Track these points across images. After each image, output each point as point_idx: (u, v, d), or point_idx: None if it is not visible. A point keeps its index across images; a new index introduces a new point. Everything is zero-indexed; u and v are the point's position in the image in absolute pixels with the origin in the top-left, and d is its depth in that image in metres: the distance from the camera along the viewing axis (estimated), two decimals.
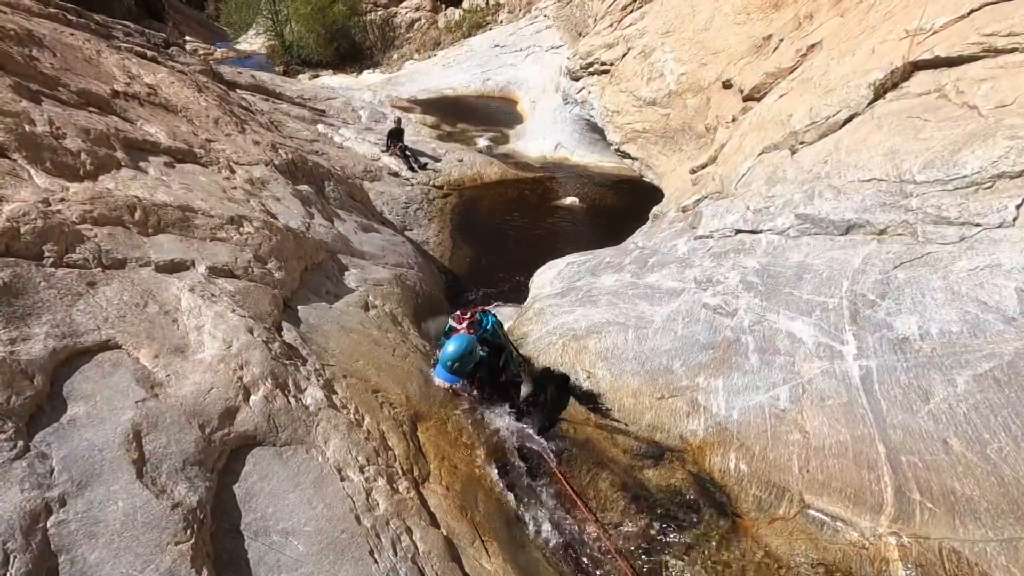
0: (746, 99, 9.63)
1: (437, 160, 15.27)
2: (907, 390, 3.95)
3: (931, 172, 4.80)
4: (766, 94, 8.92)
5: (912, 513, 3.57)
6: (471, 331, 5.21)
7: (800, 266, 5.27)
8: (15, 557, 2.24)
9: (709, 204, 7.35)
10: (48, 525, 2.43)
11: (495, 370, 5.30)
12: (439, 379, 4.95)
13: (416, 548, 3.35)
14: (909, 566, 3.43)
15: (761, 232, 6.02)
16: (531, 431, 5.22)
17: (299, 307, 5.23)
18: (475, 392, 5.32)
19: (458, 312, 5.59)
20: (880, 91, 6.14)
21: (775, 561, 3.82)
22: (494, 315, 5.65)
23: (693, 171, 9.47)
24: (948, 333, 4.02)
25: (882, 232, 5.00)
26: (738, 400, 4.68)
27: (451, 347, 4.83)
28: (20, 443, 2.63)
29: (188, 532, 2.68)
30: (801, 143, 6.67)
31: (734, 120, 9.77)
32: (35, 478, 2.53)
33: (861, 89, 6.24)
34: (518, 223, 12.88)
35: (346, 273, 6.67)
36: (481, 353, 5.08)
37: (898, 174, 5.05)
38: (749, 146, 7.69)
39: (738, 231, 6.36)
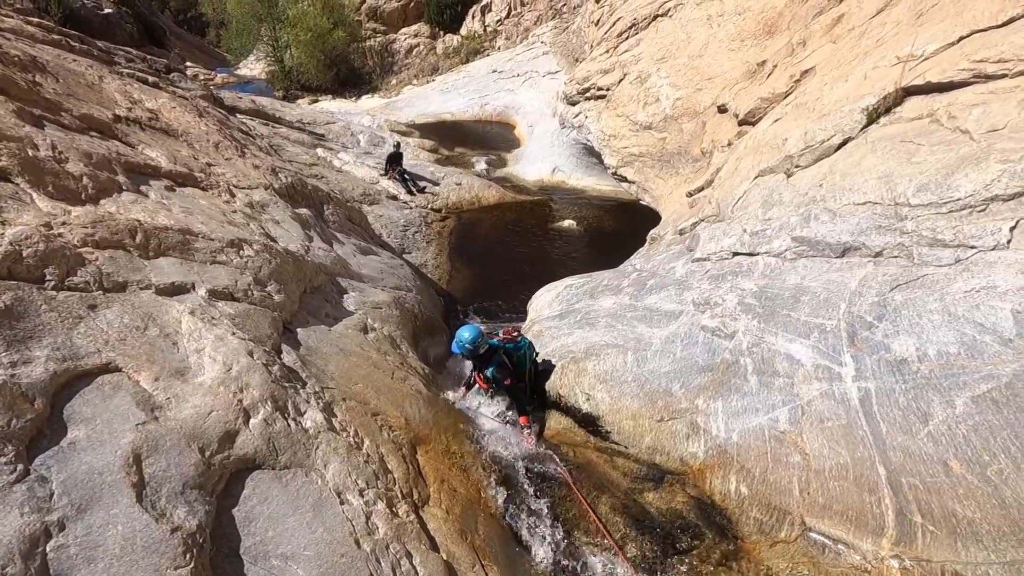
0: (741, 123, 9.74)
1: (435, 183, 15.38)
2: (906, 412, 3.96)
3: (925, 195, 4.85)
4: (761, 118, 9.03)
5: (914, 536, 3.56)
6: (507, 341, 6.10)
7: (798, 288, 5.29)
8: None
9: (706, 227, 7.40)
10: (47, 549, 2.41)
11: (504, 374, 5.76)
12: (453, 349, 5.87)
13: (416, 573, 3.33)
14: None
15: (758, 254, 6.06)
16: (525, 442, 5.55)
17: (298, 330, 5.24)
18: (476, 384, 6.06)
19: (508, 327, 6.56)
20: (873, 116, 6.23)
21: None
22: (530, 345, 6.35)
23: (690, 194, 9.55)
24: (946, 355, 4.04)
25: (878, 254, 5.03)
26: (737, 422, 4.68)
27: (466, 333, 5.71)
28: (20, 466, 2.63)
29: (188, 556, 2.66)
30: (796, 167, 6.74)
31: (730, 144, 9.88)
32: (35, 502, 2.53)
33: (855, 114, 6.33)
34: (516, 246, 12.94)
35: (345, 296, 6.69)
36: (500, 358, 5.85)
37: (892, 197, 5.10)
38: (745, 169, 7.77)
39: (735, 253, 6.39)
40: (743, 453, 4.49)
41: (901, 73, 6.20)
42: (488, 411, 6.07)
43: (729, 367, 5.07)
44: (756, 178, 7.34)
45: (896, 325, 4.42)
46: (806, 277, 5.39)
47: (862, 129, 6.25)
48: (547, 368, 6.35)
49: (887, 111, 6.19)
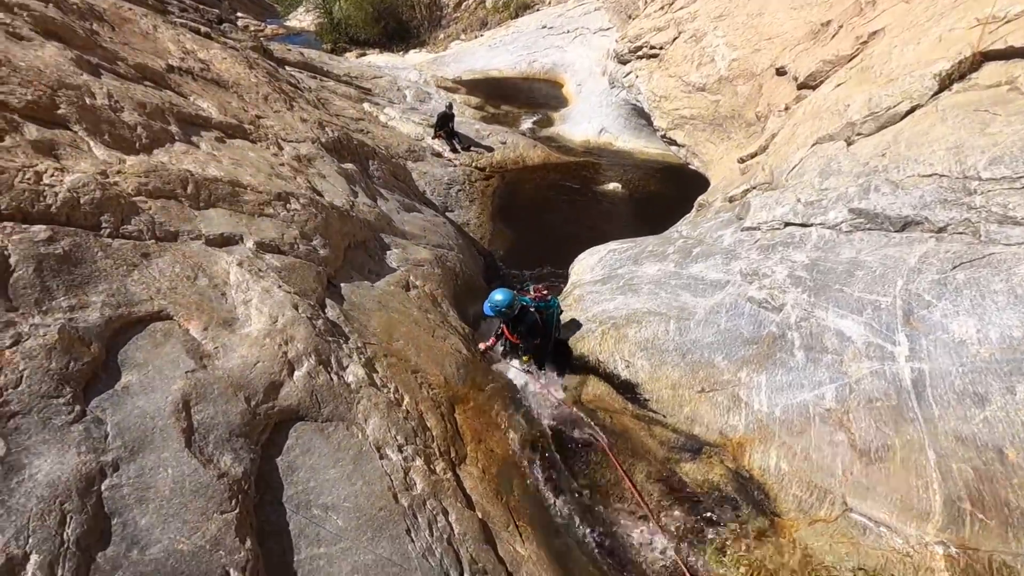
0: (800, 87, 9.34)
1: (480, 142, 15.22)
2: (961, 396, 3.81)
3: (998, 169, 4.58)
4: (822, 82, 8.63)
5: (962, 523, 3.46)
6: (539, 299, 6.25)
7: (852, 262, 5.11)
8: (71, 518, 2.33)
9: (758, 195, 7.17)
10: (103, 488, 2.52)
11: (533, 333, 6.00)
12: (484, 311, 5.99)
13: (452, 529, 3.39)
14: None
15: (812, 226, 5.85)
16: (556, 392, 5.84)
17: (342, 284, 5.29)
18: (504, 340, 6.23)
19: (538, 286, 6.62)
20: (946, 82, 5.88)
21: (813, 563, 3.76)
22: (558, 304, 6.59)
23: (742, 160, 9.25)
24: (1009, 338, 3.86)
25: (941, 230, 4.81)
26: (781, 397, 4.59)
27: (498, 296, 5.80)
28: (77, 407, 2.73)
29: (233, 502, 2.75)
30: (858, 134, 6.44)
31: (787, 109, 9.50)
32: (91, 442, 2.63)
33: (926, 79, 5.98)
34: (559, 207, 12.79)
35: (388, 252, 6.72)
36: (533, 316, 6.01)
37: (962, 170, 4.84)
38: (802, 136, 7.47)
39: (787, 224, 6.19)
40: (785, 429, 4.41)
41: (980, 36, 5.81)
42: (516, 364, 6.25)
43: (775, 341, 4.96)
44: (813, 145, 7.05)
45: (956, 305, 4.24)
46: (862, 251, 5.19)
47: (932, 96, 5.91)
48: (572, 327, 6.47)
49: (961, 77, 5.84)
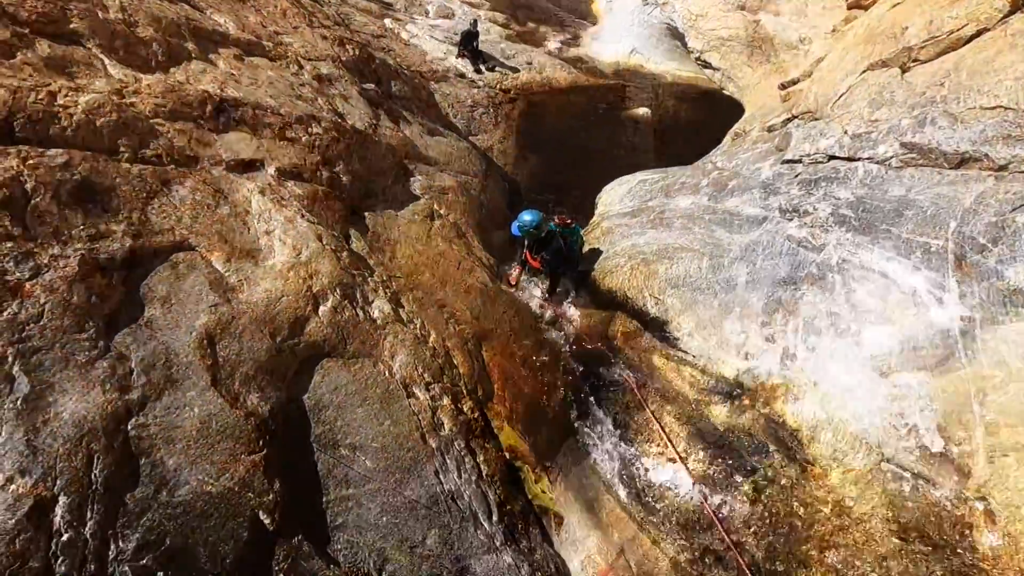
0: (851, 7, 8.71)
1: (505, 62, 14.60)
2: (1013, 347, 3.63)
3: None
4: (876, 2, 8.02)
5: (1004, 479, 3.35)
6: (563, 226, 6.11)
7: (901, 201, 4.83)
8: (98, 459, 2.28)
9: (800, 125, 6.79)
10: (129, 428, 2.47)
11: (556, 259, 5.92)
12: (512, 231, 5.95)
13: (480, 470, 3.35)
14: (995, 533, 3.26)
15: (858, 160, 5.52)
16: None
17: (366, 214, 5.13)
18: (527, 266, 6.20)
19: (561, 213, 6.43)
20: (1019, 2, 5.38)
21: (844, 512, 3.70)
22: (581, 233, 6.52)
23: (783, 87, 8.75)
24: None
25: (1002, 168, 4.48)
26: (818, 342, 4.43)
27: (527, 216, 5.67)
28: (101, 343, 2.66)
29: (261, 443, 2.70)
30: (915, 60, 5.97)
31: (834, 31, 8.91)
32: (116, 380, 2.57)
33: (996, 0, 5.48)
34: (586, 133, 12.33)
35: (412, 179, 6.51)
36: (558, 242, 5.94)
37: None
38: (851, 62, 6.98)
39: (831, 157, 5.85)
40: (822, 376, 4.27)
41: None
42: (537, 293, 6.27)
43: (815, 282, 4.76)
44: (864, 72, 6.59)
45: (1013, 250, 3.99)
46: (912, 189, 4.89)
47: (1002, 19, 5.42)
48: (597, 259, 6.40)
49: None
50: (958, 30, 5.72)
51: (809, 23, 9.94)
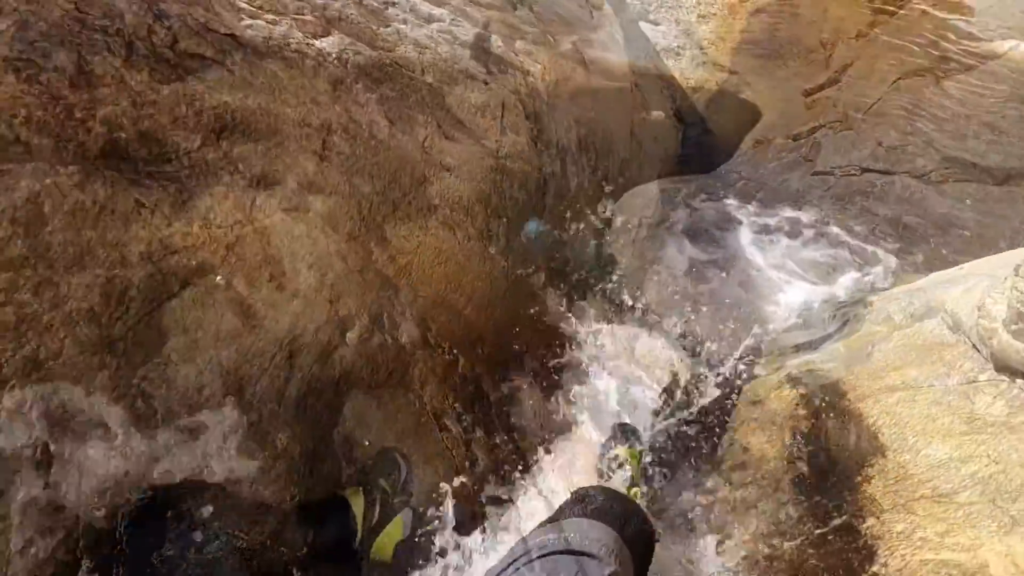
0: (877, 11, 8.49)
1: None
2: None
3: None
4: (906, 3, 7.83)
5: None
6: None
7: (944, 219, 4.67)
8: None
9: (828, 135, 6.63)
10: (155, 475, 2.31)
11: None
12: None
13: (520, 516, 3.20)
14: None
15: (895, 174, 5.36)
16: None
17: (386, 227, 4.94)
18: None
19: None
20: None
21: None
22: None
23: (807, 93, 8.55)
24: None
25: None
26: None
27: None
28: (122, 380, 2.49)
29: (294, 489, 2.54)
30: (951, 69, 5.82)
31: (858, 36, 8.70)
32: (139, 424, 2.40)
33: None
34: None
35: (429, 187, 6.31)
36: None
37: None
38: (883, 69, 6.82)
39: (865, 170, 5.70)
40: None
41: None
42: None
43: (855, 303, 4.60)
44: (897, 80, 6.43)
45: None
46: (955, 207, 4.74)
47: None
48: None
49: None
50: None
51: (831, 26, 9.72)
